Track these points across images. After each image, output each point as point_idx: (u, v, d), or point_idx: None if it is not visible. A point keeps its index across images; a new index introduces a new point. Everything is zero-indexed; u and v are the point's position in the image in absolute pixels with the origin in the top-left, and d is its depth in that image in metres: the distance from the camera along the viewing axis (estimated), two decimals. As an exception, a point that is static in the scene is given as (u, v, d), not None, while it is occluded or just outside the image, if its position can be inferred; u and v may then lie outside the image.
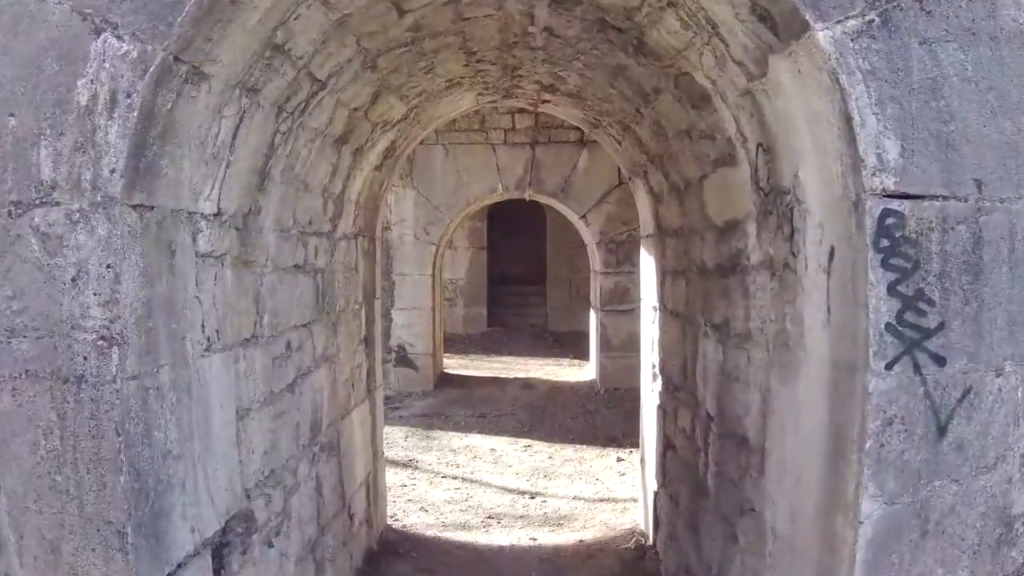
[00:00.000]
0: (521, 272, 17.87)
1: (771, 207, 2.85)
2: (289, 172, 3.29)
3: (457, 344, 14.47)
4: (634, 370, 11.00)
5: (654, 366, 5.21)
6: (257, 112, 2.75)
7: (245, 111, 2.65)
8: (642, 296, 5.81)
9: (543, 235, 17.08)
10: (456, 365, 12.82)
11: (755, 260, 3.05)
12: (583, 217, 10.91)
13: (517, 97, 5.33)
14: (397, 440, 8.49)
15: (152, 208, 2.22)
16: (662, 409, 4.94)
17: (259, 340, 3.07)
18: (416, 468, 7.61)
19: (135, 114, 2.08)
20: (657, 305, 5.05)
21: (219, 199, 2.64)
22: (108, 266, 2.05)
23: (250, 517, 2.94)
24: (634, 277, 10.89)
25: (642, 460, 5.78)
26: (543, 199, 11.39)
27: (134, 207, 2.13)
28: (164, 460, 2.29)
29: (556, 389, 11.11)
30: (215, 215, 2.63)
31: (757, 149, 2.91)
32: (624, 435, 8.71)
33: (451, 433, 8.90)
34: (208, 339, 2.57)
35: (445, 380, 11.61)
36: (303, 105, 3.14)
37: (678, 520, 4.56)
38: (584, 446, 8.41)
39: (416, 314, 11.05)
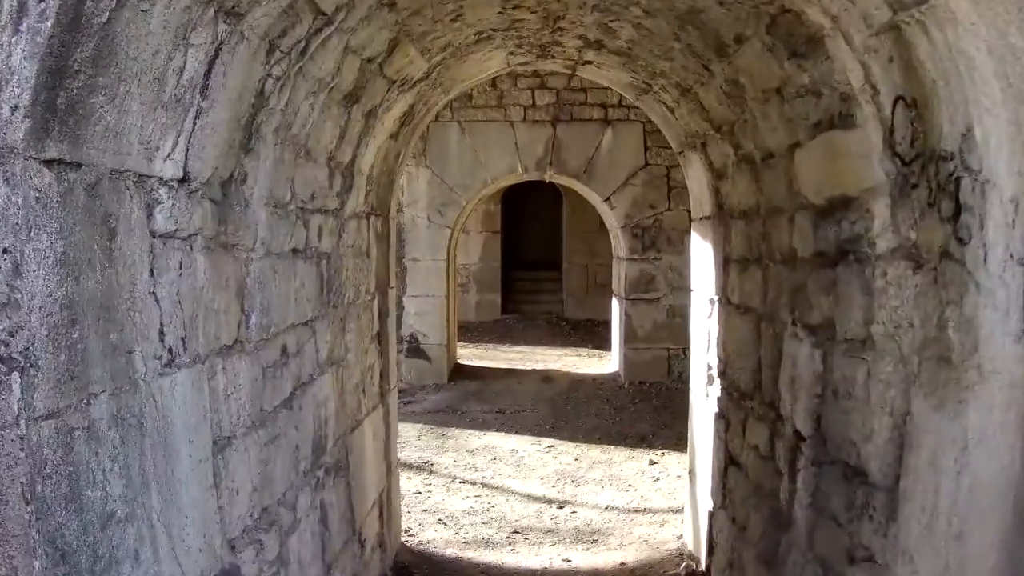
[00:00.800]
0: (536, 257, 17.24)
1: (916, 179, 2.18)
2: (285, 131, 2.59)
3: (470, 333, 13.85)
4: (662, 363, 10.47)
5: (710, 367, 4.52)
6: (240, 45, 2.06)
7: (223, 41, 1.96)
8: (693, 287, 5.10)
9: (559, 219, 16.43)
10: (471, 355, 12.17)
11: (885, 247, 2.39)
12: (607, 200, 10.26)
13: (554, 57, 4.61)
14: (410, 438, 7.85)
15: (79, 166, 1.53)
16: (722, 418, 4.25)
17: (245, 346, 2.36)
18: (431, 472, 6.96)
19: (49, 24, 1.40)
20: (718, 298, 4.35)
21: (186, 159, 1.94)
22: (4, 251, 1.37)
23: (235, 575, 2.28)
24: (660, 264, 10.23)
25: (691, 472, 5.10)
26: (564, 180, 10.73)
27: (48, 163, 1.45)
28: (104, 527, 1.61)
29: (577, 382, 10.46)
30: (180, 180, 1.93)
31: (895, 104, 2.25)
32: (654, 434, 8.11)
33: (468, 431, 8.25)
34: (169, 350, 1.88)
35: (460, 372, 10.96)
36: (303, 45, 2.44)
37: (744, 550, 3.89)
38: (612, 446, 7.78)
39: (429, 302, 10.39)
